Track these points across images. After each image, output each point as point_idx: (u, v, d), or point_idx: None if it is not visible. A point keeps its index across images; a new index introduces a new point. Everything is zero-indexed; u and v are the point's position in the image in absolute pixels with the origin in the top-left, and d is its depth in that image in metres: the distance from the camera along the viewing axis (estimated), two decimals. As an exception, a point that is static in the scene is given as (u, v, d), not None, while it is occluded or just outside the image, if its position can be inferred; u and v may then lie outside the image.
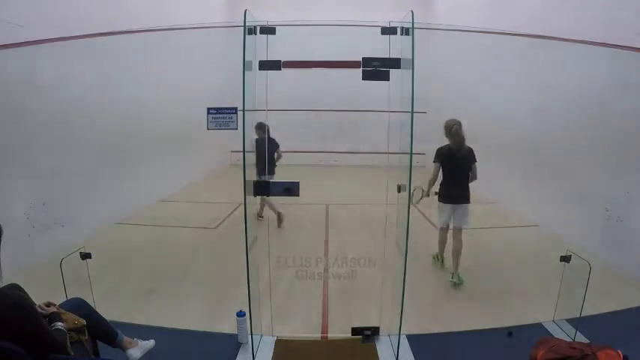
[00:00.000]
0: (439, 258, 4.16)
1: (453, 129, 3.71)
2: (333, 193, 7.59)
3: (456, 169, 3.79)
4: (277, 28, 2.56)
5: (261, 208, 5.51)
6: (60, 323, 1.86)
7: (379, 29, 2.58)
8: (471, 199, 3.89)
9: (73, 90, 4.57)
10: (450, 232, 3.95)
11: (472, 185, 3.89)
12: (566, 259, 2.86)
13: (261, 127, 4.60)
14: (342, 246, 4.71)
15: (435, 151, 3.87)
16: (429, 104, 8.50)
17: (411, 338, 2.76)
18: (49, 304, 1.96)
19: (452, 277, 3.74)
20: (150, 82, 6.32)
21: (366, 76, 2.57)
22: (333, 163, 11.11)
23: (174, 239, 5.08)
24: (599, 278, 2.85)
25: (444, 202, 3.86)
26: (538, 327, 2.93)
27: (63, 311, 1.98)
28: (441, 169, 3.85)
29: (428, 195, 3.86)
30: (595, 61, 4.42)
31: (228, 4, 10.49)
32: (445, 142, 3.84)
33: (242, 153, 2.38)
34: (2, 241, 1.73)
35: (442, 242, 4.09)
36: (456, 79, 8.73)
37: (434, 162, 3.86)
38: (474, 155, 3.79)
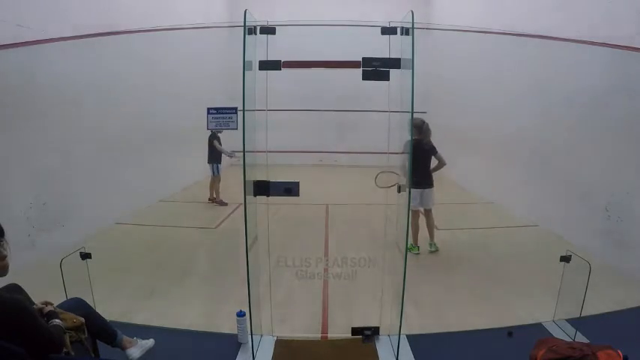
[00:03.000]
0: (415, 246, 4.52)
1: (425, 126, 4.34)
2: (333, 193, 7.59)
3: (423, 159, 4.35)
4: (277, 28, 2.56)
5: (217, 193, 6.88)
6: (57, 320, 1.85)
7: (379, 29, 2.58)
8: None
9: (73, 90, 4.57)
10: (422, 215, 4.63)
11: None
12: (566, 259, 2.86)
13: None
14: (342, 246, 4.71)
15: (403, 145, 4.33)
16: (429, 104, 8.55)
17: (411, 338, 2.76)
18: (46, 303, 1.96)
19: (430, 247, 4.51)
20: (150, 82, 6.33)
21: (366, 76, 2.56)
22: (333, 163, 11.11)
23: (174, 239, 5.08)
24: (599, 278, 2.85)
25: (415, 189, 4.29)
26: (538, 327, 2.92)
27: (61, 311, 1.98)
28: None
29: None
30: (595, 61, 4.43)
31: (229, 4, 10.50)
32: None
33: (242, 153, 2.38)
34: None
35: (415, 227, 4.53)
36: (455, 79, 8.74)
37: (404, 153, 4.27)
38: (435, 148, 4.42)
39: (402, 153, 4.07)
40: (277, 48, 2.65)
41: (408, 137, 4.15)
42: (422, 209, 4.60)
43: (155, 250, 4.62)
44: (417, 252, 4.48)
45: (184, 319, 3.06)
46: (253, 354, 2.64)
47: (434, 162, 4.48)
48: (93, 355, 2.10)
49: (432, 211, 4.60)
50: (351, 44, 3.67)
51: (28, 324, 1.64)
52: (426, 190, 4.48)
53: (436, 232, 4.65)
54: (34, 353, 1.62)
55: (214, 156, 6.80)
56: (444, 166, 4.49)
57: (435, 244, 4.54)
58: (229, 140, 6.89)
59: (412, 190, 4.24)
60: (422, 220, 4.63)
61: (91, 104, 4.92)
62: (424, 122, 4.37)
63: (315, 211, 6.40)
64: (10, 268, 1.72)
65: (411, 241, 4.42)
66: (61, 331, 1.83)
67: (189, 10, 7.99)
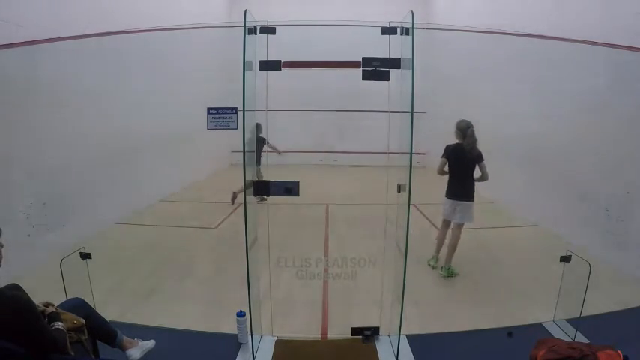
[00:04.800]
0: (433, 257, 4.18)
1: (469, 131, 3.84)
2: (333, 193, 7.59)
3: (462, 167, 3.89)
4: (277, 28, 2.56)
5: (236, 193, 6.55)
6: (59, 323, 1.86)
7: (379, 29, 2.58)
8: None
9: (72, 90, 4.57)
10: (451, 227, 4.11)
11: (478, 185, 3.98)
12: (566, 259, 2.86)
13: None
14: (342, 246, 4.71)
15: (444, 147, 4.00)
16: (429, 104, 8.54)
17: (411, 338, 2.76)
18: (47, 304, 1.96)
19: (441, 270, 3.95)
20: (150, 81, 6.32)
21: (366, 76, 2.57)
22: (333, 163, 11.11)
23: (174, 239, 5.08)
24: (599, 278, 2.85)
25: (447, 198, 4.01)
26: (538, 327, 2.93)
27: (62, 311, 1.98)
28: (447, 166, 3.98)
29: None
30: (595, 61, 4.42)
31: (228, 4, 10.50)
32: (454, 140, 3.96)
33: (242, 153, 2.38)
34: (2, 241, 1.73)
35: (440, 239, 4.17)
36: (455, 79, 8.73)
37: (441, 157, 3.99)
38: (481, 156, 3.89)
39: (442, 158, 3.94)
40: (277, 48, 2.65)
41: (453, 141, 3.92)
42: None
43: (155, 250, 4.63)
44: (434, 262, 4.09)
45: (184, 319, 3.07)
46: (253, 354, 2.64)
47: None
48: (93, 356, 2.10)
49: (461, 229, 3.99)
50: (351, 44, 3.68)
51: (33, 323, 1.64)
52: (463, 202, 3.89)
53: (447, 235, 4.26)
54: (35, 353, 1.62)
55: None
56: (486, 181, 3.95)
57: (448, 270, 3.90)
58: (229, 140, 6.90)
59: (445, 199, 4.02)
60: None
61: (91, 104, 4.91)
62: (469, 126, 3.84)
63: (315, 211, 6.40)
64: (9, 269, 1.72)
65: (433, 252, 4.18)
66: (64, 334, 1.83)
67: (189, 10, 7.99)
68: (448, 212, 4.01)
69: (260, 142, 6.32)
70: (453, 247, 3.97)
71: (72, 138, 4.56)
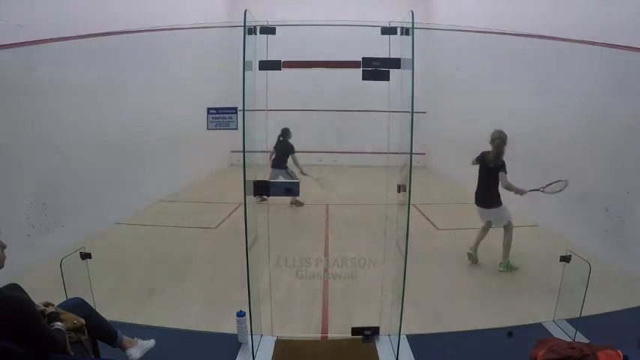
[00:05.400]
0: (471, 251, 4.27)
1: (495, 142, 3.97)
2: (333, 193, 7.59)
3: (484, 175, 4.12)
4: (277, 28, 2.56)
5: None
6: (59, 323, 1.86)
7: (379, 29, 2.58)
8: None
9: (72, 90, 4.57)
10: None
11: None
12: (566, 259, 2.86)
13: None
14: (342, 246, 4.71)
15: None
16: (429, 104, 8.54)
17: (411, 338, 2.76)
18: (47, 304, 1.96)
19: (499, 265, 4.10)
20: (150, 82, 6.33)
21: (366, 76, 2.56)
22: (333, 163, 11.11)
23: (175, 239, 5.08)
24: (600, 278, 2.85)
25: (475, 204, 4.24)
26: (538, 327, 2.93)
27: (62, 311, 1.98)
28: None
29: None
30: (595, 61, 4.43)
31: (229, 4, 10.51)
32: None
33: (242, 153, 2.38)
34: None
35: (479, 235, 4.31)
36: (455, 79, 8.74)
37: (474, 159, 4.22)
38: (504, 166, 3.99)
39: (475, 164, 4.15)
40: (277, 48, 2.65)
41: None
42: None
43: (155, 250, 4.63)
44: (473, 258, 4.23)
45: (184, 319, 3.07)
46: (253, 354, 2.64)
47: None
48: (93, 356, 2.10)
49: (509, 228, 4.12)
50: (351, 44, 3.68)
51: (33, 323, 1.64)
52: (487, 209, 4.12)
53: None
54: (34, 353, 1.62)
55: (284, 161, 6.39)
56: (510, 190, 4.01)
57: (507, 266, 4.07)
58: (229, 140, 6.90)
59: (474, 205, 4.22)
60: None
61: (91, 104, 4.91)
62: (497, 138, 3.95)
63: (315, 211, 6.40)
64: (9, 269, 1.72)
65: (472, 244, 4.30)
66: (64, 334, 1.83)
67: (189, 10, 8.00)
68: (480, 217, 4.25)
69: (289, 147, 6.41)
70: (506, 246, 4.14)
71: (72, 138, 4.57)
